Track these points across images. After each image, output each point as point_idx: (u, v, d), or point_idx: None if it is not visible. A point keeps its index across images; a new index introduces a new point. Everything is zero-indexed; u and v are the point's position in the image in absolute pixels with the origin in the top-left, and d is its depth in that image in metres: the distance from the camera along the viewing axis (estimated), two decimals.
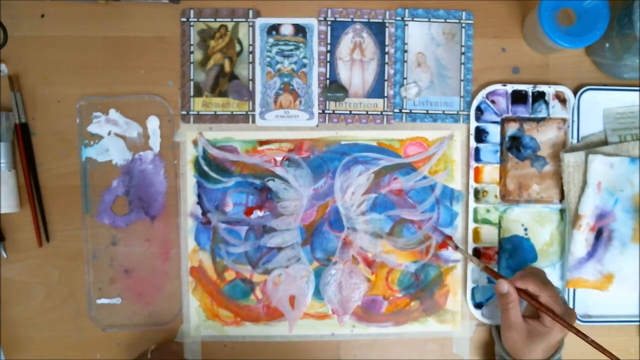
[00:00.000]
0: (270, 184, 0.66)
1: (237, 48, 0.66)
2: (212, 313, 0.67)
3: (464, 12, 0.67)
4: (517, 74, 0.68)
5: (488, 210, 0.67)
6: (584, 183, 0.65)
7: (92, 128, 0.66)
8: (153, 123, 0.66)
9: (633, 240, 0.65)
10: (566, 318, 0.56)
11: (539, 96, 0.67)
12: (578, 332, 0.55)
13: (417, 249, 0.67)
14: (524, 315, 0.58)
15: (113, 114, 0.66)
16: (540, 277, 0.58)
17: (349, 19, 0.67)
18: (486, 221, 0.67)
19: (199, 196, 0.66)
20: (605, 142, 0.67)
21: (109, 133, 0.66)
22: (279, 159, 0.67)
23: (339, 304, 0.67)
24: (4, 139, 0.64)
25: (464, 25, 0.67)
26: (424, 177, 0.67)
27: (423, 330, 0.67)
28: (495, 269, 0.67)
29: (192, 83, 0.66)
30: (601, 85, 0.67)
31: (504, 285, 0.57)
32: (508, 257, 0.68)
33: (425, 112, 0.67)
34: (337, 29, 0.67)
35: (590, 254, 0.65)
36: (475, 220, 0.67)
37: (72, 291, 0.66)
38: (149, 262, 0.66)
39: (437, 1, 0.67)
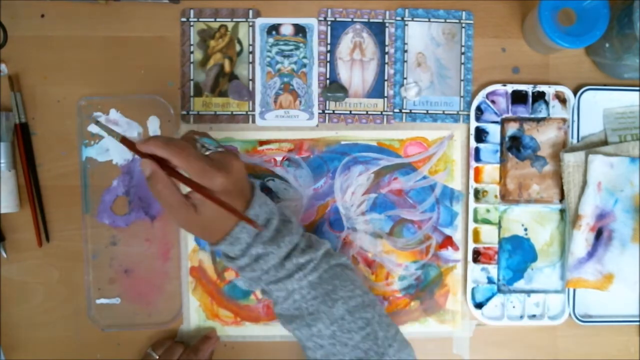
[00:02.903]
0: (270, 184, 0.66)
1: (237, 48, 0.66)
2: (212, 313, 0.67)
3: (464, 12, 0.67)
4: (517, 74, 0.68)
5: (488, 210, 0.67)
6: (584, 183, 0.65)
7: (92, 128, 0.66)
8: (153, 123, 0.66)
9: (633, 240, 0.65)
10: (220, 167, 0.47)
11: (539, 96, 0.67)
12: (214, 199, 0.47)
13: (417, 249, 0.67)
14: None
15: (113, 114, 0.66)
16: (168, 138, 0.47)
17: (349, 19, 0.67)
18: (486, 221, 0.67)
19: None
20: (605, 142, 0.67)
21: (108, 133, 0.66)
22: (279, 159, 0.67)
23: None
24: (4, 139, 0.64)
25: (464, 25, 0.67)
26: (424, 177, 0.67)
27: (423, 330, 0.67)
28: (495, 269, 0.67)
29: (192, 83, 0.66)
30: (601, 85, 0.67)
31: (147, 165, 0.47)
32: (508, 257, 0.68)
33: (425, 112, 0.67)
34: (337, 29, 0.67)
35: (590, 254, 0.65)
36: (475, 220, 0.67)
37: (71, 291, 0.66)
38: (149, 262, 0.66)
39: (437, 1, 0.67)
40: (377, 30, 0.67)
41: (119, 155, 0.66)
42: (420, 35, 0.67)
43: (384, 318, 0.55)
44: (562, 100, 0.67)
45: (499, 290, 0.67)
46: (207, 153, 0.50)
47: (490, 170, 0.67)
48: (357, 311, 0.52)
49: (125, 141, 0.48)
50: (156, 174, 0.47)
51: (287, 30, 0.66)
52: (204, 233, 0.52)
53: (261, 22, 0.66)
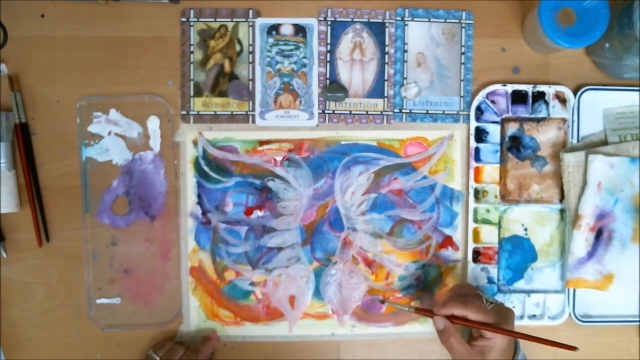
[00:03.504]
0: (270, 184, 0.66)
1: (237, 48, 0.66)
2: (212, 313, 0.67)
3: (464, 12, 0.67)
4: (517, 74, 0.68)
5: (488, 210, 0.67)
6: (584, 183, 0.65)
7: (92, 128, 0.66)
8: (153, 123, 0.66)
9: (633, 240, 0.65)
10: (500, 319, 0.57)
11: (539, 96, 0.67)
12: (514, 333, 0.57)
13: (417, 249, 0.67)
14: (468, 341, 0.58)
15: (113, 114, 0.66)
16: (459, 298, 0.59)
17: (349, 19, 0.67)
18: (486, 221, 0.67)
19: (199, 196, 0.66)
20: (605, 142, 0.67)
21: (109, 133, 0.66)
22: (279, 159, 0.67)
23: (339, 304, 0.67)
24: (4, 139, 0.64)
25: (464, 25, 0.67)
26: (424, 177, 0.67)
27: (423, 330, 0.67)
28: (495, 269, 0.67)
29: (192, 83, 0.66)
30: (601, 85, 0.67)
31: (440, 322, 0.58)
32: (508, 257, 0.68)
33: (425, 112, 0.67)
34: (337, 29, 0.67)
35: (590, 254, 0.65)
36: (475, 220, 0.67)
37: (72, 291, 0.66)
38: (149, 262, 0.66)
39: (437, 1, 0.67)
40: (377, 30, 0.67)
41: (119, 155, 0.66)
42: (420, 35, 0.67)
43: None
44: (562, 100, 0.67)
45: (499, 290, 0.67)
46: (489, 307, 0.59)
47: (490, 170, 0.67)
48: None
49: (420, 310, 0.60)
50: (448, 329, 0.58)
51: (287, 30, 0.66)
52: None
53: (261, 22, 0.66)
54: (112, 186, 0.66)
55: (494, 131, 0.67)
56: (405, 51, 0.67)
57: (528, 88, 0.66)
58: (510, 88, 0.67)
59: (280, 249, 0.67)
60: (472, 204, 0.67)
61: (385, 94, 0.67)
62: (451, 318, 0.58)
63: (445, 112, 0.67)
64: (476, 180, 0.67)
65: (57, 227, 0.66)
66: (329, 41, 0.67)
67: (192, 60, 0.66)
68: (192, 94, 0.66)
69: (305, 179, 0.67)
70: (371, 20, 0.67)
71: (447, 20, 0.67)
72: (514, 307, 0.67)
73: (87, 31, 0.66)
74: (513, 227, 0.68)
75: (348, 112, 0.67)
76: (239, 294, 0.67)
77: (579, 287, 0.66)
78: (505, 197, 0.68)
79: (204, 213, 0.66)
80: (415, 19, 0.67)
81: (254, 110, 0.67)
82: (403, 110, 0.67)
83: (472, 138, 0.67)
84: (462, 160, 0.67)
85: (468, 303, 0.57)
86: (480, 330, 0.57)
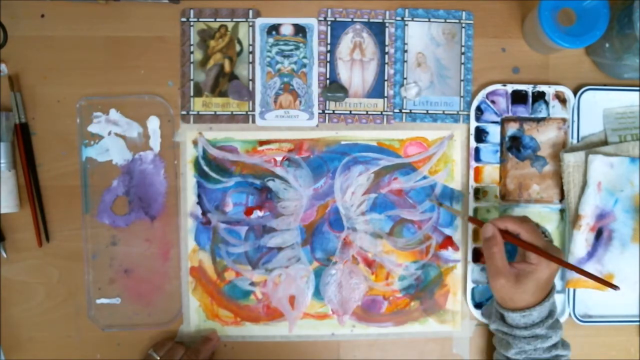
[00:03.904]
0: (270, 184, 0.66)
1: (237, 48, 0.66)
2: (212, 313, 0.67)
3: (464, 12, 0.67)
4: (517, 74, 0.68)
5: (488, 210, 0.67)
6: (584, 183, 0.65)
7: (92, 128, 0.66)
8: (153, 123, 0.66)
9: (633, 240, 0.65)
10: (549, 251, 0.56)
11: (539, 96, 0.67)
12: (562, 262, 0.56)
13: (417, 249, 0.67)
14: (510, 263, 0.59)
15: (113, 114, 0.66)
16: (518, 217, 0.59)
17: (349, 19, 0.67)
18: (486, 221, 0.67)
19: (199, 196, 0.66)
20: (605, 142, 0.67)
21: (109, 133, 0.66)
22: (279, 159, 0.67)
23: (339, 304, 0.67)
24: (4, 139, 0.64)
25: (464, 25, 0.67)
26: (424, 177, 0.67)
27: (423, 330, 0.67)
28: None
29: (192, 83, 0.66)
30: (601, 85, 0.67)
31: (489, 228, 0.58)
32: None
33: (425, 112, 0.67)
34: (337, 29, 0.67)
35: (590, 254, 0.65)
36: None
37: (71, 291, 0.66)
38: (149, 262, 0.66)
39: (437, 1, 0.67)
40: (377, 30, 0.67)
41: (119, 155, 0.66)
42: (420, 35, 0.67)
43: None
44: (562, 100, 0.67)
45: None
46: (546, 238, 0.60)
47: (490, 170, 0.67)
48: None
49: (472, 219, 0.63)
50: (495, 238, 0.58)
51: (287, 30, 0.66)
52: (508, 298, 0.58)
53: (261, 22, 0.66)
54: (112, 186, 0.66)
55: (494, 131, 0.67)
56: (405, 51, 0.67)
57: (528, 88, 0.66)
58: (510, 88, 0.67)
59: (280, 249, 0.67)
60: (472, 204, 0.67)
61: (385, 94, 0.67)
62: (503, 232, 0.58)
63: (445, 112, 0.67)
64: (476, 180, 0.67)
65: (57, 227, 0.66)
66: (329, 41, 0.67)
67: (192, 60, 0.66)
68: (192, 94, 0.66)
69: (305, 179, 0.67)
70: (371, 20, 0.67)
71: (447, 20, 0.67)
72: None
73: (87, 31, 0.66)
74: None
75: (348, 112, 0.67)
76: (239, 294, 0.67)
77: (579, 287, 0.66)
78: (505, 197, 0.68)
79: (204, 213, 0.66)
80: (415, 19, 0.67)
81: (254, 110, 0.67)
82: (403, 110, 0.67)
83: (472, 138, 0.67)
84: (462, 160, 0.67)
85: (524, 222, 0.58)
86: (525, 255, 0.58)
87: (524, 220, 0.58)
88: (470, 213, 0.66)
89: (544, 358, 0.59)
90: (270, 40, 0.66)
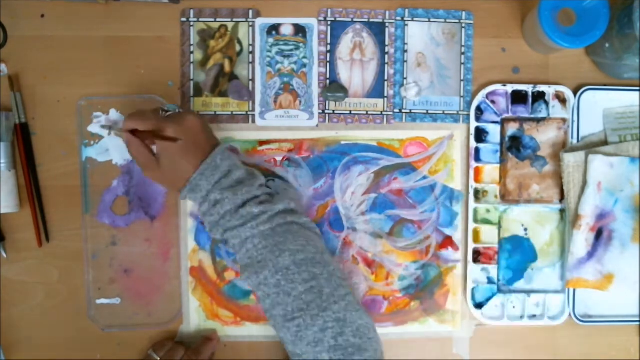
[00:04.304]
0: (270, 184, 0.66)
1: (237, 48, 0.66)
2: (212, 313, 0.67)
3: (464, 12, 0.67)
4: (517, 74, 0.68)
5: (488, 210, 0.67)
6: (584, 183, 0.65)
7: (92, 128, 0.66)
8: None
9: (633, 240, 0.65)
10: (176, 124, 0.56)
11: (539, 96, 0.67)
12: (148, 134, 0.57)
13: (417, 249, 0.67)
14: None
15: (113, 114, 0.66)
16: (141, 111, 0.58)
17: (349, 19, 0.67)
18: (486, 221, 0.67)
19: None
20: (605, 142, 0.67)
21: (109, 133, 0.66)
22: (279, 159, 0.67)
23: None
24: (4, 139, 0.64)
25: (464, 25, 0.67)
26: (424, 177, 0.67)
27: (423, 330, 0.67)
28: (495, 270, 0.67)
29: (192, 83, 0.66)
30: (601, 85, 0.67)
31: (123, 135, 0.58)
32: (508, 257, 0.68)
33: (425, 112, 0.67)
34: (337, 29, 0.67)
35: (590, 254, 0.65)
36: (475, 220, 0.67)
37: (71, 291, 0.66)
38: (149, 262, 0.66)
39: (437, 1, 0.67)
40: (377, 30, 0.67)
41: (119, 155, 0.66)
42: (420, 35, 0.67)
43: (334, 278, 0.56)
44: (562, 100, 0.67)
45: (499, 290, 0.67)
46: (166, 115, 0.58)
47: (490, 170, 0.67)
48: (304, 264, 0.55)
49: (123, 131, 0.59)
50: (130, 141, 0.57)
51: (287, 30, 0.66)
52: (170, 183, 0.59)
53: (261, 22, 0.66)
54: (112, 186, 0.66)
55: (494, 131, 0.67)
56: (405, 51, 0.67)
57: (528, 88, 0.66)
58: (510, 88, 0.67)
59: None
60: (472, 204, 0.67)
61: (385, 94, 0.67)
62: (135, 132, 0.57)
63: (445, 112, 0.67)
64: (476, 180, 0.67)
65: (57, 227, 0.66)
66: (329, 41, 0.67)
67: (192, 60, 0.66)
68: (192, 94, 0.66)
69: (305, 179, 0.67)
70: (371, 20, 0.67)
71: (447, 20, 0.67)
72: (514, 307, 0.67)
73: (87, 31, 0.66)
74: (513, 227, 0.68)
75: (348, 112, 0.67)
76: (239, 294, 0.67)
77: (579, 287, 0.66)
78: (505, 197, 0.68)
79: None
80: (415, 19, 0.67)
81: (254, 110, 0.67)
82: (403, 110, 0.67)
83: (472, 138, 0.66)
84: (462, 160, 0.67)
85: (135, 113, 0.57)
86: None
87: (135, 113, 0.57)
88: (471, 213, 0.66)
89: (235, 223, 0.56)
90: (270, 40, 0.66)
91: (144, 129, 0.57)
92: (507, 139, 0.67)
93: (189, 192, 0.57)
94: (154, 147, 0.58)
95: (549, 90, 0.67)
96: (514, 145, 0.67)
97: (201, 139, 0.58)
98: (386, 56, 0.67)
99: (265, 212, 0.56)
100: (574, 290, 0.67)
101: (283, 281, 0.54)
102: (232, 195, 0.56)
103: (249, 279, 0.57)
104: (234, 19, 0.66)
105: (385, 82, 0.67)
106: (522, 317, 0.67)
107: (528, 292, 0.67)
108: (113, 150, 0.66)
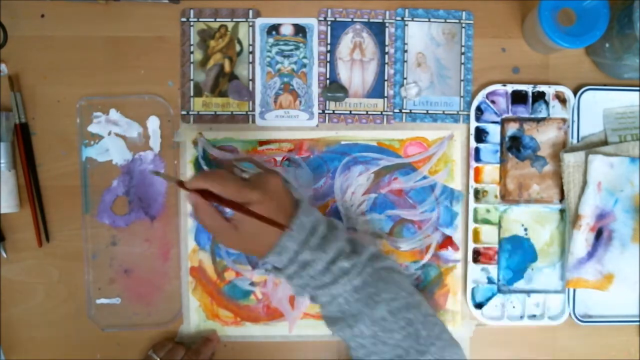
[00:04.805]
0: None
1: (237, 48, 0.66)
2: (212, 313, 0.67)
3: (464, 12, 0.67)
4: (517, 74, 0.68)
5: (488, 210, 0.67)
6: (584, 183, 0.65)
7: (92, 128, 0.66)
8: (153, 123, 0.66)
9: (633, 240, 0.65)
10: (257, 187, 0.52)
11: (539, 96, 0.67)
12: (244, 210, 0.51)
13: (417, 249, 0.67)
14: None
15: (113, 114, 0.66)
16: (211, 171, 0.55)
17: (349, 19, 0.67)
18: (486, 221, 0.67)
19: None
20: (605, 142, 0.67)
21: (109, 133, 0.66)
22: (279, 159, 0.67)
23: None
24: (4, 139, 0.64)
25: (464, 25, 0.67)
26: (424, 177, 0.67)
27: None
28: (495, 269, 0.67)
29: (192, 83, 0.66)
30: (601, 85, 0.67)
31: (190, 197, 0.53)
32: (508, 257, 0.68)
33: (425, 112, 0.67)
34: (337, 29, 0.67)
35: (590, 254, 0.65)
36: (475, 220, 0.67)
37: (71, 291, 0.66)
38: (149, 262, 0.66)
39: (437, 1, 0.67)
40: (377, 30, 0.67)
41: (119, 155, 0.66)
42: (420, 35, 0.67)
43: (429, 317, 0.55)
44: (562, 100, 0.67)
45: (499, 291, 0.67)
46: (245, 176, 0.54)
47: (490, 170, 0.67)
48: (400, 312, 0.53)
49: (180, 183, 0.55)
50: (198, 204, 0.53)
51: (287, 30, 0.66)
52: (251, 249, 0.57)
53: (261, 22, 0.66)
54: (112, 186, 0.66)
55: (494, 131, 0.67)
56: (405, 51, 0.67)
57: (528, 88, 0.66)
58: (510, 88, 0.67)
59: None
60: (472, 204, 0.67)
61: (385, 94, 0.67)
62: (204, 194, 0.52)
63: (445, 112, 0.67)
64: (476, 180, 0.67)
65: (57, 227, 0.66)
66: (329, 41, 0.67)
67: (192, 60, 0.66)
68: (192, 94, 0.66)
69: (305, 179, 0.67)
70: (371, 20, 0.67)
71: (447, 20, 0.67)
72: (514, 307, 0.67)
73: (87, 31, 0.66)
74: (513, 227, 0.68)
75: (348, 112, 0.67)
76: (239, 294, 0.67)
77: (579, 287, 0.66)
78: (505, 197, 0.68)
79: None
80: (415, 19, 0.67)
81: (254, 110, 0.67)
82: (403, 110, 0.67)
83: (472, 138, 0.66)
84: (462, 160, 0.67)
85: (212, 173, 0.53)
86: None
87: (213, 173, 0.54)
88: (471, 213, 0.66)
89: (326, 280, 0.54)
90: (270, 40, 0.66)
91: (221, 194, 0.52)
92: (507, 139, 0.67)
93: (275, 256, 0.54)
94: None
95: (549, 90, 0.67)
96: (514, 145, 0.67)
97: (284, 199, 0.55)
98: (386, 56, 0.67)
99: (355, 265, 0.54)
100: (574, 290, 0.67)
101: (380, 332, 0.52)
102: (323, 255, 0.53)
103: (340, 331, 0.55)
104: (234, 19, 0.66)
105: (385, 82, 0.67)
106: (522, 317, 0.67)
107: (528, 292, 0.67)
108: (113, 150, 0.66)
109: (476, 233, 0.67)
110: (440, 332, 0.55)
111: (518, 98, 0.67)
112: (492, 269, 0.67)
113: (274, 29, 0.66)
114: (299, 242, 0.53)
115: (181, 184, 0.54)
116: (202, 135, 0.66)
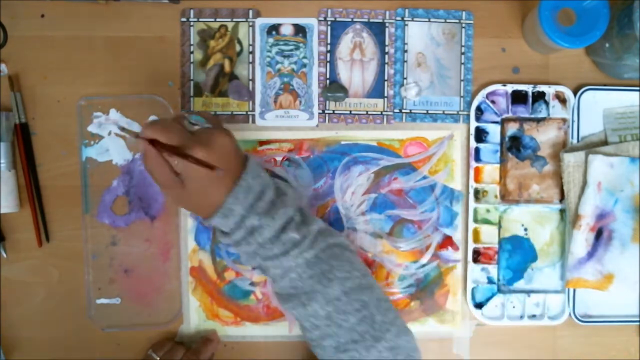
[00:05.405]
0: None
1: (237, 48, 0.66)
2: (212, 313, 0.67)
3: (464, 12, 0.67)
4: (517, 74, 0.68)
5: (488, 210, 0.67)
6: (584, 183, 0.65)
7: (92, 128, 0.66)
8: None
9: (633, 240, 0.65)
10: (204, 142, 0.49)
11: (539, 96, 0.67)
12: (179, 154, 0.49)
13: (417, 249, 0.67)
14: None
15: (113, 114, 0.66)
16: (165, 122, 0.51)
17: (349, 19, 0.67)
18: (486, 221, 0.67)
19: None
20: (605, 142, 0.67)
21: (109, 133, 0.66)
22: (279, 159, 0.67)
23: None
24: (4, 139, 0.64)
25: (464, 25, 0.67)
26: (424, 177, 0.67)
27: (423, 330, 0.67)
28: (495, 269, 0.67)
29: (192, 83, 0.66)
30: (601, 85, 0.67)
31: (140, 144, 0.50)
32: (508, 257, 0.68)
33: (425, 112, 0.67)
34: (337, 29, 0.67)
35: (590, 254, 0.65)
36: (475, 220, 0.67)
37: (71, 291, 0.66)
38: (149, 262, 0.66)
39: (437, 1, 0.67)
40: (377, 30, 0.67)
41: (119, 155, 0.66)
42: (420, 35, 0.67)
43: (382, 302, 0.54)
44: (562, 100, 0.67)
45: (499, 290, 0.67)
46: (193, 129, 0.52)
47: (490, 170, 0.67)
48: (354, 293, 0.53)
49: (137, 135, 0.51)
50: (147, 152, 0.50)
51: (287, 30, 0.66)
52: (196, 207, 0.54)
53: (261, 22, 0.66)
54: (112, 186, 0.66)
55: (494, 131, 0.67)
56: (405, 51, 0.67)
57: (528, 88, 0.66)
58: (510, 88, 0.67)
59: None
60: (472, 204, 0.67)
61: (385, 94, 0.67)
62: (155, 144, 0.49)
63: (445, 112, 0.67)
64: (476, 180, 0.67)
65: (57, 227, 0.66)
66: (329, 41, 0.67)
67: (192, 60, 0.66)
68: (192, 94, 0.66)
69: (305, 179, 0.67)
70: (371, 20, 0.67)
71: (447, 20, 0.67)
72: (514, 307, 0.67)
73: (87, 31, 0.66)
74: (513, 227, 0.68)
75: (348, 112, 0.67)
76: (239, 294, 0.67)
77: (579, 287, 0.66)
78: (505, 197, 0.68)
79: None
80: (415, 19, 0.67)
81: (254, 110, 0.67)
82: (403, 110, 0.67)
83: (472, 138, 0.66)
84: (462, 160, 0.67)
85: (159, 123, 0.50)
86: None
87: (158, 122, 0.51)
88: (471, 213, 0.66)
89: (276, 251, 0.52)
90: (270, 40, 0.66)
91: (167, 142, 0.49)
92: (507, 139, 0.67)
93: (220, 218, 0.52)
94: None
95: (549, 90, 0.67)
96: (514, 145, 0.67)
97: (232, 159, 0.52)
98: (386, 56, 0.67)
99: (305, 237, 0.53)
100: (574, 290, 0.67)
101: (334, 312, 0.52)
102: (271, 221, 0.51)
103: (294, 309, 0.54)
104: (234, 19, 0.66)
105: (385, 82, 0.67)
106: (522, 317, 0.67)
107: (528, 292, 0.67)
108: (113, 150, 0.66)
109: (476, 233, 0.67)
110: (394, 317, 0.54)
111: (518, 98, 0.67)
112: (492, 269, 0.67)
113: (274, 29, 0.66)
114: (245, 206, 0.51)
115: (137, 135, 0.52)
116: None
